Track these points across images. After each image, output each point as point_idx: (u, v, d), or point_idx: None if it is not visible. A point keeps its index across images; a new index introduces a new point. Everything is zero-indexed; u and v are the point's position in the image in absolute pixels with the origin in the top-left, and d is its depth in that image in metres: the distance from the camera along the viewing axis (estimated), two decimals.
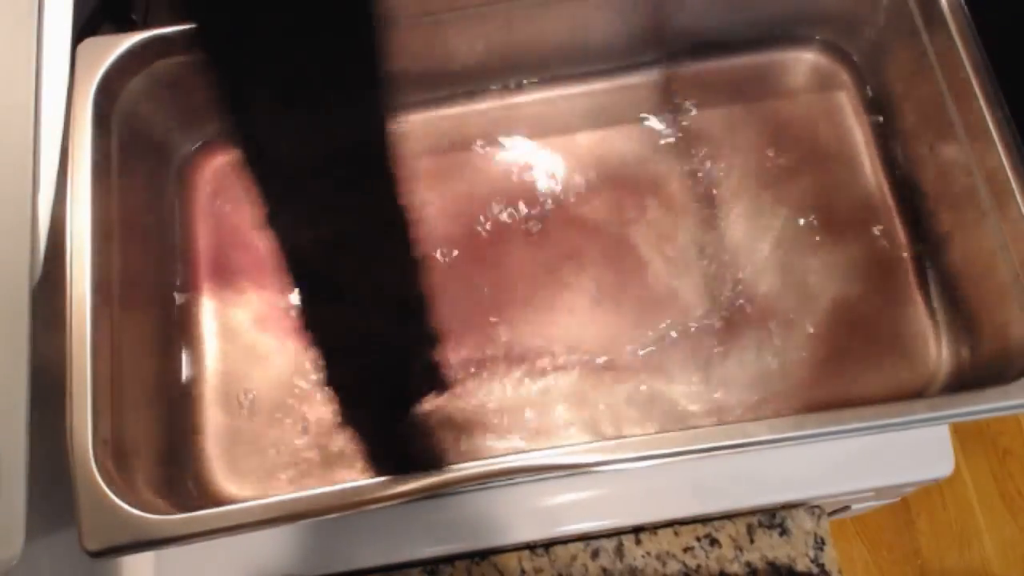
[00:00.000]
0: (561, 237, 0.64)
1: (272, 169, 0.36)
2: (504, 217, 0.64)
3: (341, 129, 0.35)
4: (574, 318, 0.62)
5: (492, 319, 0.62)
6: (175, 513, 0.47)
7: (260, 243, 0.64)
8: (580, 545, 0.58)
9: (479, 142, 0.67)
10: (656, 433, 0.48)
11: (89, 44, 0.57)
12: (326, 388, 0.47)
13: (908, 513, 1.24)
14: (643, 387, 0.59)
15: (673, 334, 0.61)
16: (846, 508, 0.71)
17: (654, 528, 0.59)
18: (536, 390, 0.60)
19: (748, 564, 0.58)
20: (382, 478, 0.47)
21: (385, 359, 0.46)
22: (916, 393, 0.58)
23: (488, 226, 0.64)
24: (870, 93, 0.66)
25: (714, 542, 0.58)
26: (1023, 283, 0.52)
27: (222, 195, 0.66)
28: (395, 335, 0.46)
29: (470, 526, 0.58)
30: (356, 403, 0.48)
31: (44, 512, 0.47)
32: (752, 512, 0.59)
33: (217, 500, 0.57)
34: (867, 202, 0.64)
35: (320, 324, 0.43)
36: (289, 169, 0.36)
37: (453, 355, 0.61)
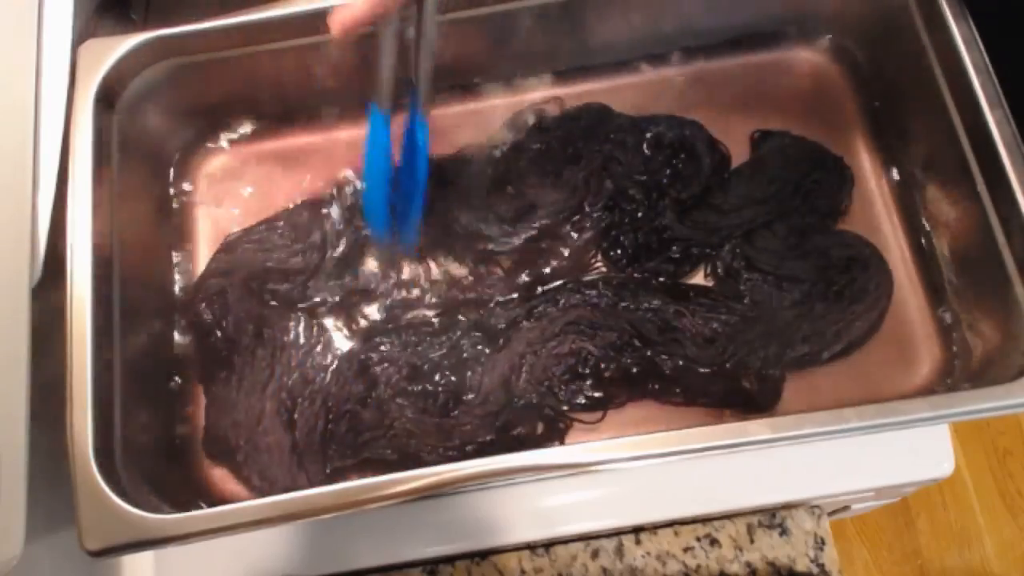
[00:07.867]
0: None
1: None
2: None
3: None
4: None
5: None
6: (175, 513, 0.48)
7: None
8: (580, 545, 0.58)
9: None
10: (656, 433, 0.48)
11: (90, 45, 0.57)
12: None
13: (908, 513, 1.24)
14: None
15: None
16: (846, 508, 0.71)
17: (654, 528, 0.59)
18: None
19: (748, 564, 0.58)
20: (382, 478, 0.47)
21: None
22: (917, 393, 0.58)
23: None
24: (870, 93, 0.66)
25: (714, 542, 0.58)
26: (1023, 282, 0.52)
27: (221, 194, 0.66)
28: None
29: (470, 526, 0.58)
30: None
31: (44, 512, 0.47)
32: (752, 512, 0.59)
33: (217, 499, 0.57)
34: (867, 201, 0.64)
35: None
36: None
37: None
